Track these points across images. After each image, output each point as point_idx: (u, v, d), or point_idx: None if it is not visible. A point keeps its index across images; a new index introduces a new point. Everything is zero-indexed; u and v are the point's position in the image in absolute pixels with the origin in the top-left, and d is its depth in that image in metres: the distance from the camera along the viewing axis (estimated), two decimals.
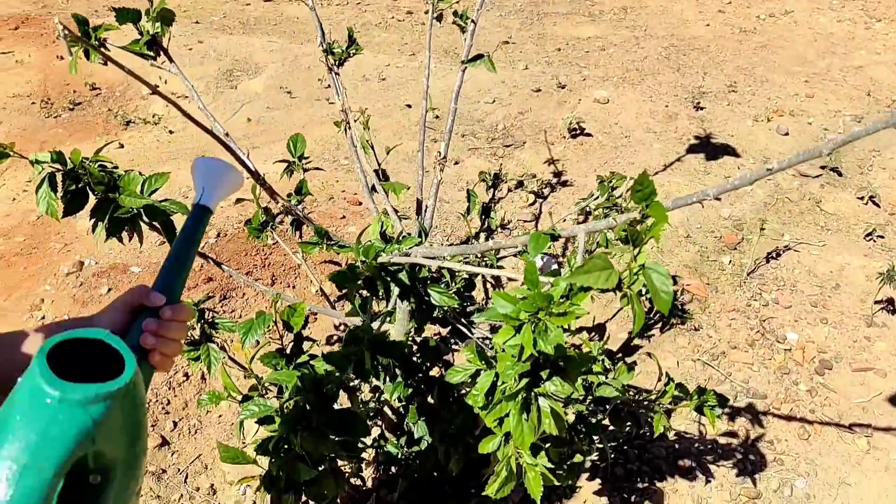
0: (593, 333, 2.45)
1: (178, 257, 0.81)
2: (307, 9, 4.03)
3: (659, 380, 1.59)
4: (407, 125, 3.48)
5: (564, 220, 2.82)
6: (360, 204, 2.89)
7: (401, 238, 1.58)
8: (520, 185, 3.08)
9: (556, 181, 3.11)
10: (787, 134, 3.40)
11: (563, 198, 3.00)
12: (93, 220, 1.37)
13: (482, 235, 2.80)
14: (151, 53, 1.41)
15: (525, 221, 2.91)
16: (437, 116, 3.51)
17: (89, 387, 0.54)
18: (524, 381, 1.15)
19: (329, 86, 1.78)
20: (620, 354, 2.34)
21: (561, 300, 1.04)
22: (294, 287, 2.51)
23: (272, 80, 3.84)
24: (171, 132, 3.31)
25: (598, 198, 2.02)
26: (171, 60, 1.42)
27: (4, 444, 0.52)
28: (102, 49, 1.34)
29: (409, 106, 3.64)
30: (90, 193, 1.40)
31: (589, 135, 3.41)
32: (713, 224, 2.87)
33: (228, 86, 3.76)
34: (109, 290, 2.34)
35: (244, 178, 0.95)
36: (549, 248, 2.84)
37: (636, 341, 2.38)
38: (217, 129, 1.47)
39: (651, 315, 2.48)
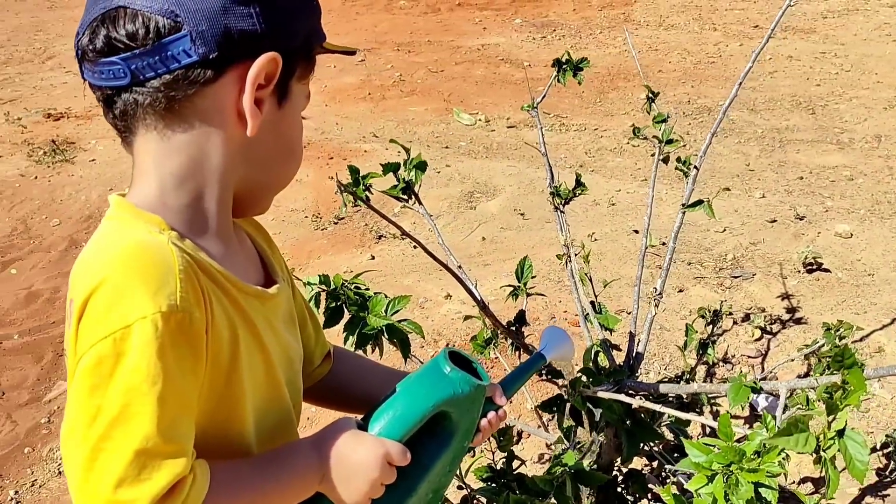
0: (820, 486, 2.30)
1: (518, 377, 1.13)
2: (546, 135, 4.32)
3: None
4: (632, 250, 3.56)
5: (793, 360, 2.71)
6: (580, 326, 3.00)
7: (610, 370, 1.67)
8: (746, 318, 3.02)
9: (788, 318, 3.00)
10: None
11: (793, 336, 2.89)
12: (345, 334, 1.62)
13: (701, 369, 2.77)
14: (405, 197, 1.68)
15: (750, 357, 2.84)
16: (663, 243, 3.56)
17: (466, 374, 0.90)
18: None
19: (563, 211, 1.95)
20: None
21: (753, 456, 1.07)
22: (511, 401, 2.65)
23: (508, 201, 4.14)
24: (414, 247, 3.68)
25: (823, 345, 1.97)
26: (419, 203, 1.68)
27: (412, 381, 0.91)
28: (367, 193, 1.62)
29: (635, 231, 3.73)
30: (345, 310, 1.66)
31: (827, 270, 3.27)
32: None
33: (468, 206, 4.12)
34: None
35: (574, 351, 1.28)
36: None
37: (868, 500, 2.21)
38: (451, 261, 1.69)
39: (888, 473, 2.29)
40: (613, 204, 4.07)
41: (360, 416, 0.92)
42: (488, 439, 1.65)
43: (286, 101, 0.84)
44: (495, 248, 3.72)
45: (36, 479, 2.41)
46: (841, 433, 1.01)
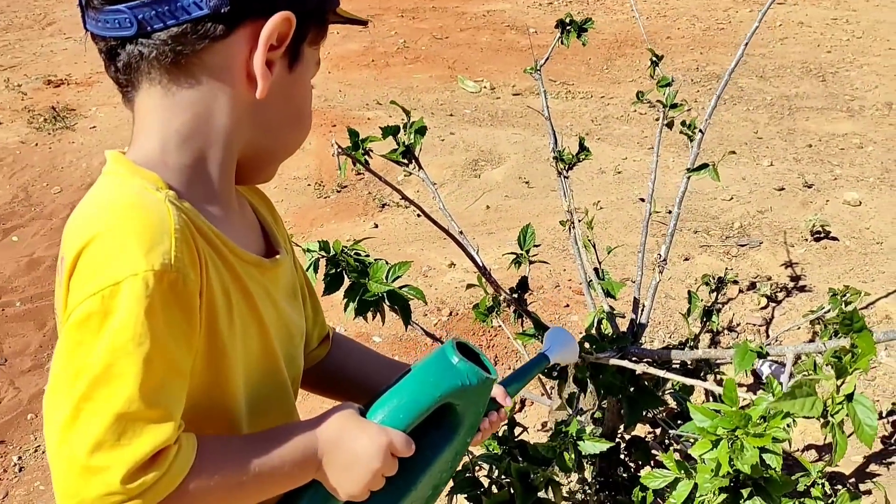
0: (824, 453, 2.29)
1: (520, 377, 1.10)
2: (553, 102, 4.25)
3: None
4: (638, 219, 3.53)
5: (799, 328, 2.69)
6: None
7: (613, 337, 1.65)
8: (752, 286, 2.99)
9: (794, 286, 2.98)
10: None
11: (799, 304, 2.86)
12: (345, 300, 1.60)
13: (706, 337, 2.75)
14: (405, 161, 1.64)
15: (755, 325, 2.82)
16: (669, 212, 3.52)
17: (475, 366, 0.87)
18: (723, 496, 1.16)
19: (567, 176, 1.92)
20: (853, 479, 2.17)
21: (759, 421, 1.05)
22: (513, 369, 2.64)
23: (512, 170, 4.10)
24: (418, 215, 3.65)
25: (829, 311, 1.94)
26: (419, 167, 1.64)
27: (418, 370, 0.87)
28: (366, 157, 1.59)
29: (641, 200, 3.69)
30: (345, 277, 1.64)
31: (834, 238, 3.23)
32: None
33: (473, 175, 4.08)
34: None
35: (579, 352, 1.27)
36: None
37: (873, 467, 2.20)
38: (453, 228, 1.66)
39: (893, 441, 2.27)
40: (620, 172, 4.02)
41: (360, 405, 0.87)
42: None
43: (297, 64, 0.80)
44: (499, 217, 3.68)
45: (39, 445, 2.41)
46: (850, 397, 0.99)
